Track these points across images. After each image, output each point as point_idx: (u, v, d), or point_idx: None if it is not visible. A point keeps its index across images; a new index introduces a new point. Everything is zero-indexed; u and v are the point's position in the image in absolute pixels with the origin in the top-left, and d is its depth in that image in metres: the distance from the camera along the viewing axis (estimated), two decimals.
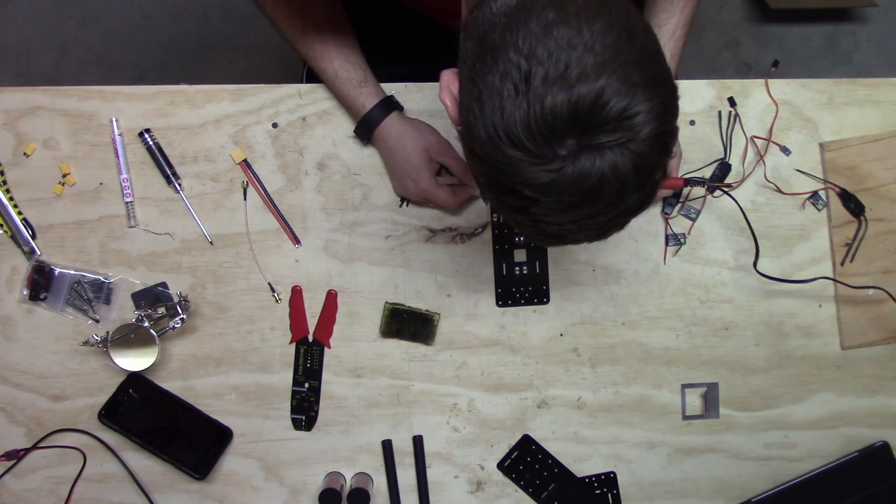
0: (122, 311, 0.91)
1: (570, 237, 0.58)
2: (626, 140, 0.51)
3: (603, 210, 0.54)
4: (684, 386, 0.95)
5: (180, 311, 0.88)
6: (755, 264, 0.92)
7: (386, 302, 0.92)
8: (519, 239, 0.93)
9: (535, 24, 0.51)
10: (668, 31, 0.86)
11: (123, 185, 0.90)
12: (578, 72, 0.50)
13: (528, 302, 0.94)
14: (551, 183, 0.52)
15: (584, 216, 0.55)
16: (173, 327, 0.88)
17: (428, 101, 0.92)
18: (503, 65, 0.52)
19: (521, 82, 0.51)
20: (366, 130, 0.88)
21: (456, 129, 0.60)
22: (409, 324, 0.92)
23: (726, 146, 0.94)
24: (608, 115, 0.51)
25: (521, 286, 0.94)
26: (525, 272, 0.94)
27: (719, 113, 0.95)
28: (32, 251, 0.90)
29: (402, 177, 0.88)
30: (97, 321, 0.91)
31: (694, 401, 0.96)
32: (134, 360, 0.88)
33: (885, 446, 0.97)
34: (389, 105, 0.87)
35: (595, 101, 0.50)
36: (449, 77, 0.61)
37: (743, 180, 0.94)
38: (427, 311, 0.92)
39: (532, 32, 0.51)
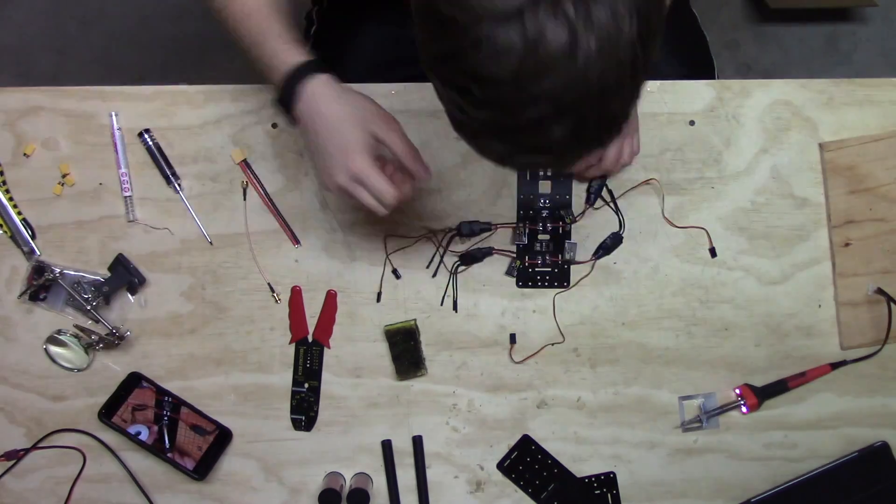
0: (123, 311, 0.91)
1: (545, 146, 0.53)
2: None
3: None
4: (681, 398, 0.95)
5: (115, 340, 0.90)
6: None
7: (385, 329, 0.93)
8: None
9: None
10: None
11: (122, 179, 0.90)
12: None
13: (550, 285, 0.94)
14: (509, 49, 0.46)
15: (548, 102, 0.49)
16: (99, 347, 0.90)
17: (427, 102, 0.92)
18: None
19: None
20: (290, 93, 0.70)
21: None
22: (405, 344, 0.92)
23: None
24: None
25: (539, 268, 0.94)
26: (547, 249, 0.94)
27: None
28: (32, 251, 0.90)
29: (333, 154, 0.70)
30: (97, 321, 0.91)
31: (692, 411, 0.96)
32: (68, 360, 0.91)
33: (885, 446, 0.97)
34: (321, 66, 0.71)
35: None
36: None
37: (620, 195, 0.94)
38: (405, 321, 0.92)
39: None
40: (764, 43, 1.86)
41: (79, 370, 0.91)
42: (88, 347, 0.90)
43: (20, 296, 0.89)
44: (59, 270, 0.89)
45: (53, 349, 0.90)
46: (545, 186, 0.93)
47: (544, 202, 0.93)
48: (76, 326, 0.90)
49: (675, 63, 1.04)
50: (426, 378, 0.94)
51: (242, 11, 0.73)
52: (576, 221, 0.93)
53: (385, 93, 0.91)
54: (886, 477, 0.97)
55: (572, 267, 0.94)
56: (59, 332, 0.90)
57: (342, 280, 0.93)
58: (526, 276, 0.93)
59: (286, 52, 0.71)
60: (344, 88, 0.73)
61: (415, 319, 0.93)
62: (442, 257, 0.93)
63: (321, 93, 0.70)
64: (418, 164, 0.74)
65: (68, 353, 0.90)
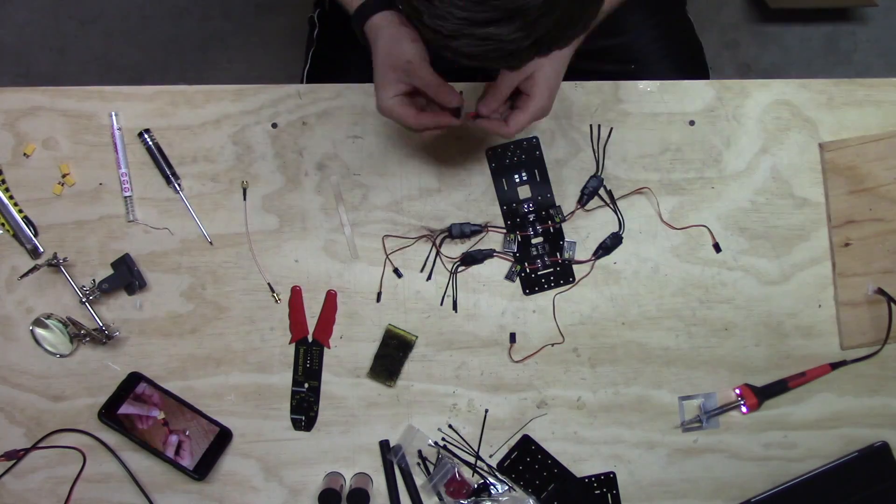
0: (123, 310, 0.92)
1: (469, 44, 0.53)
2: None
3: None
4: (681, 398, 0.95)
5: (103, 338, 0.90)
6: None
7: (388, 326, 0.93)
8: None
9: None
10: None
11: (122, 178, 0.90)
12: None
13: (556, 285, 0.94)
14: None
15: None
16: (85, 340, 0.90)
17: None
18: None
19: None
20: (359, 20, 0.79)
21: None
22: (395, 352, 0.92)
23: (599, 161, 0.93)
24: None
25: (542, 271, 0.94)
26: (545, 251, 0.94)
27: (590, 127, 0.94)
28: (36, 248, 0.90)
29: (376, 82, 0.79)
30: (91, 315, 0.91)
31: (692, 411, 0.96)
32: (52, 345, 0.91)
33: (885, 446, 0.97)
34: (384, 3, 0.78)
35: None
36: None
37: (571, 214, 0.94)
38: (408, 333, 0.93)
39: None
40: (764, 43, 1.86)
41: (61, 356, 0.91)
42: (74, 338, 0.90)
43: (21, 277, 0.90)
44: (62, 258, 0.89)
45: (39, 331, 0.90)
46: (524, 192, 0.93)
47: (528, 206, 0.93)
48: (68, 318, 0.90)
49: (670, 66, 1.04)
50: (426, 378, 0.94)
51: None
52: (565, 220, 0.93)
53: None
54: (886, 477, 0.97)
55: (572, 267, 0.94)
56: (47, 316, 0.90)
57: (342, 280, 0.93)
58: (531, 283, 0.94)
59: None
60: (391, 26, 0.77)
61: (417, 336, 0.93)
62: (435, 259, 0.93)
63: (376, 28, 0.77)
64: (444, 95, 0.78)
65: (52, 338, 0.90)
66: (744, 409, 0.95)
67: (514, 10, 0.51)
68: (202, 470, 0.91)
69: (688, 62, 1.08)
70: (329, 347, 0.93)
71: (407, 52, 0.76)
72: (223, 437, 0.92)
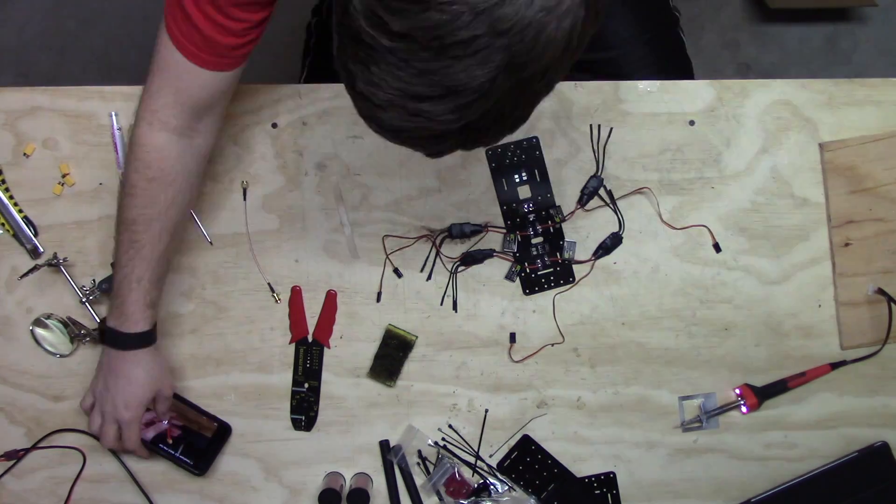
0: None
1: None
2: None
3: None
4: (681, 398, 0.95)
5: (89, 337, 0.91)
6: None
7: (388, 327, 0.93)
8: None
9: None
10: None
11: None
12: None
13: (556, 285, 0.94)
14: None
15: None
16: (85, 340, 0.91)
17: None
18: None
19: None
20: (115, 343, 0.83)
21: None
22: (396, 352, 0.92)
23: (599, 161, 0.93)
24: None
25: (542, 271, 0.94)
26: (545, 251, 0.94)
27: (590, 127, 0.93)
28: (36, 248, 0.90)
29: (122, 394, 0.84)
30: (92, 315, 0.91)
31: (692, 411, 0.96)
32: (52, 344, 0.91)
33: (885, 446, 0.97)
34: (153, 337, 0.84)
35: None
36: None
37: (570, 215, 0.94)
38: (408, 333, 0.93)
39: None
40: (764, 43, 1.86)
41: (61, 356, 0.91)
42: (74, 338, 0.90)
43: (21, 277, 0.90)
44: (62, 258, 0.89)
45: (39, 331, 0.90)
46: (524, 192, 0.93)
47: (528, 206, 0.93)
48: (68, 318, 0.90)
49: (651, 60, 1.02)
50: (426, 378, 0.94)
51: (135, 241, 0.80)
52: (565, 220, 0.93)
53: None
54: (886, 477, 0.97)
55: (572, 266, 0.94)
56: (47, 316, 0.90)
57: (342, 280, 0.93)
58: (531, 283, 0.94)
59: (140, 315, 0.82)
60: (158, 356, 0.87)
61: (417, 336, 0.93)
62: (435, 260, 0.93)
63: (144, 357, 0.84)
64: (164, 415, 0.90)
65: (52, 338, 0.90)
66: (744, 409, 0.95)
67: (450, 88, 0.49)
68: (202, 465, 0.91)
69: (669, 59, 1.05)
70: (329, 347, 0.93)
71: (169, 379, 0.87)
72: (223, 433, 0.92)
